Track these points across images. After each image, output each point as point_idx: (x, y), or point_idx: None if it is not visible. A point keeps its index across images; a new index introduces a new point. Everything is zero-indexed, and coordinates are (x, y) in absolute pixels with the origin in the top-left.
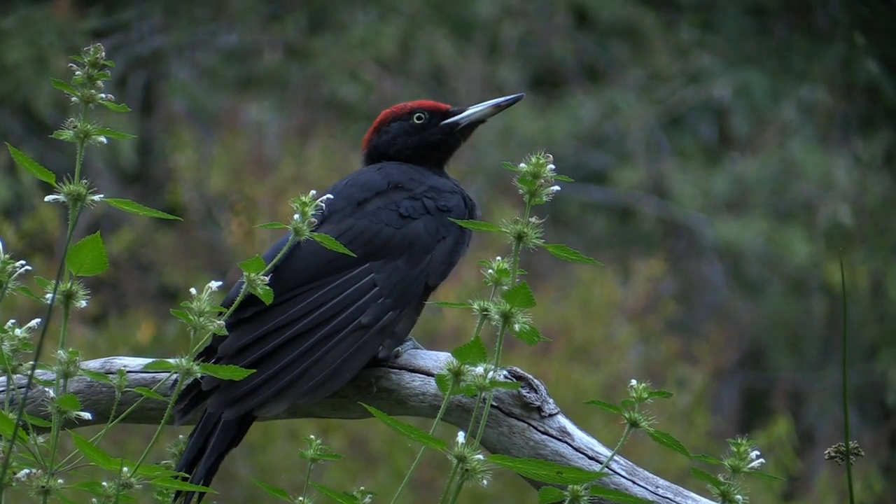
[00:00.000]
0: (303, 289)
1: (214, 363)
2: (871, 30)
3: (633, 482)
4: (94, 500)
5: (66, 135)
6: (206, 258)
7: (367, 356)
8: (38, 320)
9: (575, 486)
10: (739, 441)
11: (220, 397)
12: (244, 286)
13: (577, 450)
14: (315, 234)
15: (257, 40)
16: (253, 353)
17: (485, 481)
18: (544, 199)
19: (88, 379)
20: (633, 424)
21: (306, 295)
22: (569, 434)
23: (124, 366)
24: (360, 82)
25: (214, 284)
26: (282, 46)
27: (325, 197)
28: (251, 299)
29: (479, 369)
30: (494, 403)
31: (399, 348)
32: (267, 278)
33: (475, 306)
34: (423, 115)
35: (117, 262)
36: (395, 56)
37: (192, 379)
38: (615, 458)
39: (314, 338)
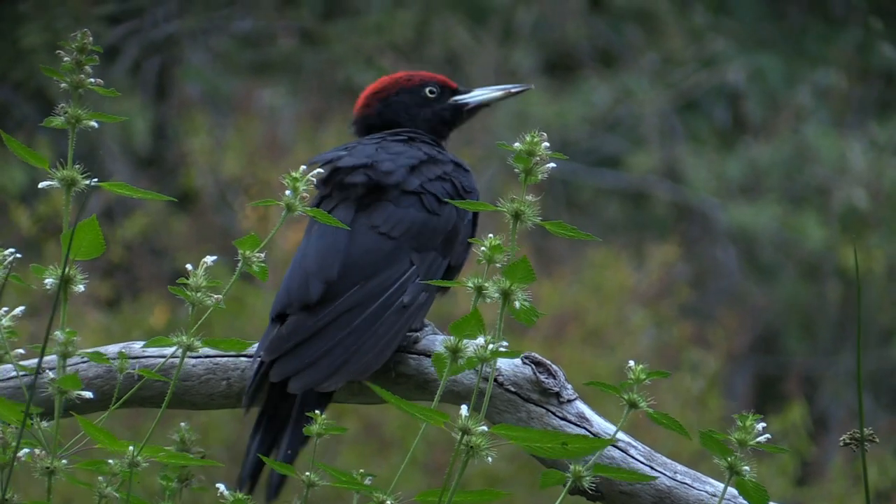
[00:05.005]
0: (365, 281)
1: (275, 341)
2: (886, 14)
3: (651, 468)
4: (100, 478)
5: (57, 121)
6: (220, 242)
7: (403, 335)
8: (21, 308)
9: (577, 467)
10: (745, 415)
11: (281, 369)
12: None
13: (595, 435)
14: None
15: (272, 25)
16: (312, 331)
17: (489, 458)
18: (539, 177)
19: (109, 365)
20: (633, 406)
21: (365, 284)
22: (587, 420)
23: (143, 350)
24: (376, 68)
25: (209, 259)
26: (296, 31)
27: (315, 172)
28: (325, 294)
29: (480, 340)
30: (513, 389)
31: (418, 334)
32: (262, 255)
33: (469, 284)
34: (434, 90)
35: (131, 246)
36: (411, 41)
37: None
38: (633, 443)
39: (363, 315)
